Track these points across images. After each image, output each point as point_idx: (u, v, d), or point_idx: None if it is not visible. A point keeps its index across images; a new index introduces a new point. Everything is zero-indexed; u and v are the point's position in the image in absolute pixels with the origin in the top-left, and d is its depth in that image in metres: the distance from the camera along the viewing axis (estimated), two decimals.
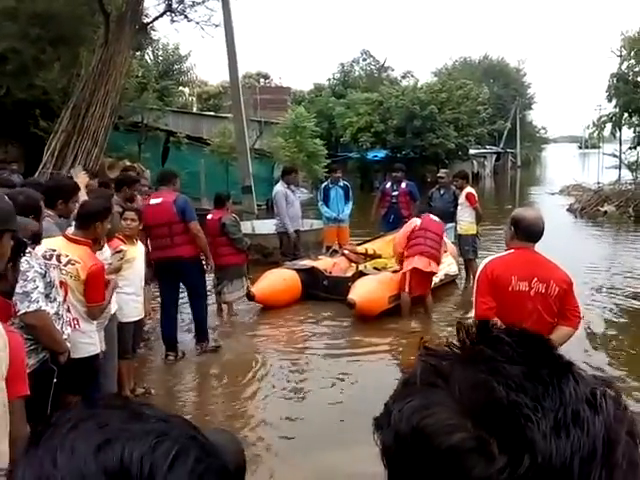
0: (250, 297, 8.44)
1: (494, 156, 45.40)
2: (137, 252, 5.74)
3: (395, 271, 8.66)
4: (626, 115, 23.62)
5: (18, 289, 3.26)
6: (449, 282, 9.93)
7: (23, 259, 3.24)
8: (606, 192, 21.31)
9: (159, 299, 7.35)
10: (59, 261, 4.25)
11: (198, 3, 16.10)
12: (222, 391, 6.15)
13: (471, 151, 35.08)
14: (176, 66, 30.18)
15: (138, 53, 21.51)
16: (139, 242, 5.94)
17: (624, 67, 23.44)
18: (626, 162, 24.91)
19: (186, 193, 7.24)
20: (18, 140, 15.71)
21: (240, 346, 7.38)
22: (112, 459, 0.57)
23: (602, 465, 0.59)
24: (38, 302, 3.45)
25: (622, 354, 7.22)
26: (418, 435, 0.61)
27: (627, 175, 24.20)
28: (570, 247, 12.38)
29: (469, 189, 10.19)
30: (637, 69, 23.13)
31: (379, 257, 9.92)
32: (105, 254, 4.94)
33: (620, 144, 25.97)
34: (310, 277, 9.06)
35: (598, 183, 24.01)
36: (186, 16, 16.09)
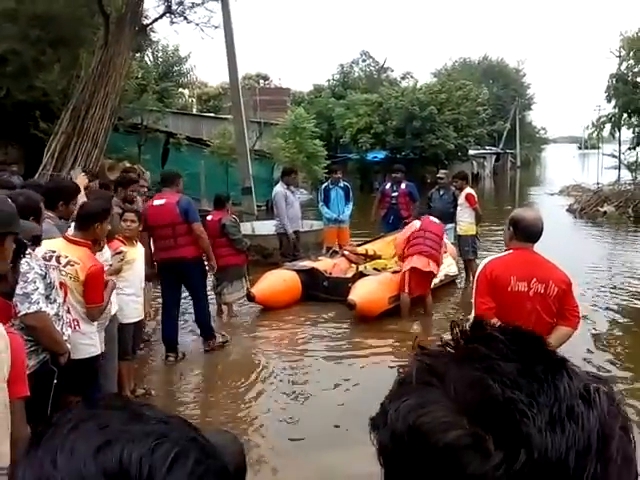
0: (250, 298, 8.44)
1: (494, 157, 45.40)
2: (137, 253, 5.75)
3: (395, 272, 8.67)
4: (625, 116, 23.65)
5: (18, 290, 3.27)
6: (449, 282, 9.94)
7: (23, 260, 3.25)
8: (605, 192, 21.32)
9: (159, 300, 7.35)
10: (59, 262, 4.25)
11: (198, 4, 16.09)
12: (223, 392, 6.14)
13: (471, 152, 35.08)
14: (176, 68, 30.17)
15: (138, 55, 21.50)
16: (139, 243, 5.95)
17: (623, 68, 23.48)
18: (625, 162, 24.94)
19: (186, 194, 7.25)
20: (18, 142, 15.71)
21: (241, 348, 7.38)
22: (111, 460, 0.58)
23: (597, 459, 0.60)
24: (38, 303, 3.45)
25: (626, 354, 7.24)
26: (414, 433, 0.61)
27: (626, 175, 24.22)
28: (571, 247, 12.43)
29: (469, 190, 10.20)
30: (636, 70, 23.15)
31: (379, 258, 9.92)
32: (105, 255, 4.94)
33: (619, 144, 25.99)
34: (310, 278, 9.06)
35: (597, 183, 24.02)
36: (186, 17, 16.09)
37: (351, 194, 11.40)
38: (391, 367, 6.64)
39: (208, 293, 7.48)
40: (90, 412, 0.64)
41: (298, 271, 9.08)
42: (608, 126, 24.78)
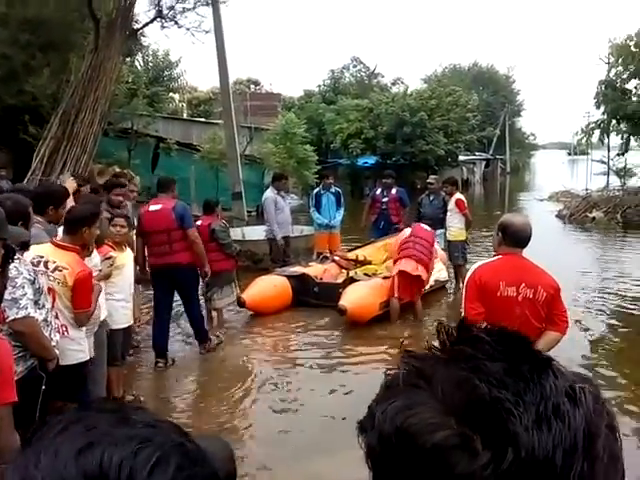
0: (241, 304, 8.43)
1: (483, 162, 45.62)
2: (126, 259, 5.73)
3: (385, 277, 8.68)
4: (614, 122, 23.80)
5: (7, 295, 3.25)
6: (439, 288, 9.96)
7: (12, 265, 3.22)
8: (594, 198, 21.46)
9: (148, 305, 7.31)
10: (47, 267, 4.22)
11: (188, 9, 16.12)
12: (213, 399, 6.10)
13: (460, 157, 35.22)
14: (166, 72, 30.19)
15: (128, 59, 21.50)
16: (128, 248, 5.93)
17: (612, 74, 23.65)
18: (614, 169, 25.09)
19: None
20: (7, 146, 15.64)
21: (232, 354, 7.34)
22: (92, 463, 0.57)
23: (583, 458, 0.60)
24: (27, 309, 3.43)
25: (622, 358, 7.29)
26: (402, 435, 0.61)
27: (615, 181, 24.38)
28: (561, 252, 12.52)
29: (458, 195, 10.24)
30: (625, 76, 23.33)
31: (369, 263, 9.93)
32: (94, 260, 4.92)
33: (608, 150, 26.15)
34: (301, 283, 9.05)
35: (586, 189, 24.17)
36: (176, 22, 16.11)
37: (342, 200, 11.41)
38: (381, 375, 6.64)
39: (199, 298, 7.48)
40: (80, 415, 0.64)
41: (289, 277, 9.07)
42: (597, 132, 24.93)
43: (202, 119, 28.28)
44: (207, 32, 16.04)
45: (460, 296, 4.89)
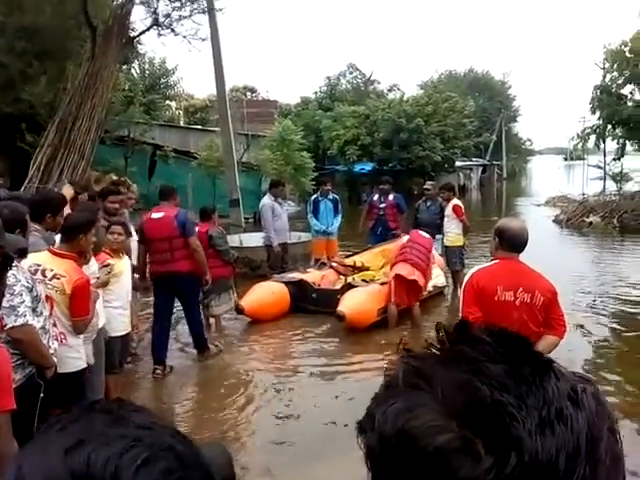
0: (239, 310, 8.42)
1: (480, 168, 45.69)
2: (124, 266, 5.72)
3: (383, 283, 8.68)
4: (610, 127, 23.91)
5: (5, 303, 3.24)
6: (437, 294, 9.96)
7: (10, 273, 3.22)
8: (591, 203, 21.51)
9: (146, 312, 7.29)
10: (44, 275, 4.21)
11: (185, 17, 16.15)
12: (212, 406, 6.08)
13: (457, 163, 35.27)
14: (163, 80, 30.20)
15: (125, 67, 21.51)
16: (125, 256, 5.92)
17: (607, 79, 23.75)
18: (610, 173, 25.17)
19: None
20: (4, 154, 15.64)
21: (230, 362, 7.34)
22: (79, 462, 0.58)
23: (586, 461, 0.60)
24: (25, 316, 3.43)
25: (619, 359, 7.32)
26: (403, 437, 0.60)
27: (612, 186, 24.45)
28: (560, 257, 12.61)
29: (455, 201, 10.26)
30: (620, 81, 23.44)
31: (367, 269, 9.93)
32: (92, 268, 4.91)
33: (604, 155, 26.24)
34: (299, 290, 9.05)
35: (583, 194, 24.23)
36: (173, 30, 16.14)
37: (340, 206, 11.43)
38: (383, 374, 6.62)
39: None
40: (78, 415, 0.65)
41: (287, 283, 9.07)
42: (593, 137, 25.04)
43: (199, 126, 28.30)
44: (203, 40, 16.08)
45: (458, 302, 4.90)
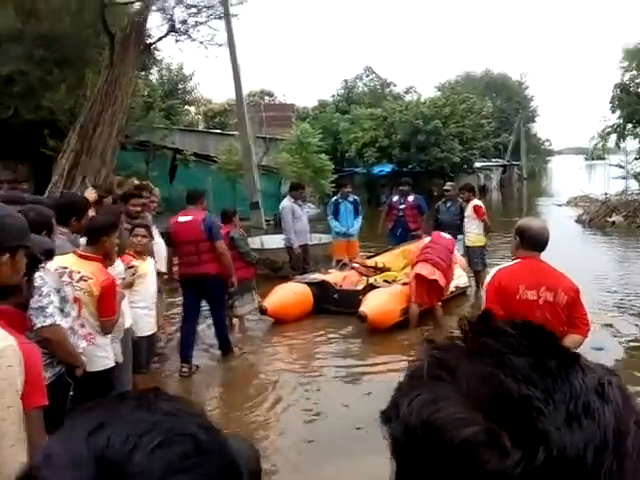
0: (262, 311, 8.47)
1: (500, 169, 45.44)
2: (148, 268, 5.80)
3: (405, 284, 8.66)
4: (630, 126, 23.66)
5: (33, 304, 3.29)
6: (460, 294, 9.93)
7: (37, 274, 3.27)
8: (613, 203, 21.33)
9: (171, 313, 7.35)
10: (71, 278, 4.26)
11: (201, 23, 16.18)
12: (238, 405, 6.12)
13: (477, 164, 35.13)
14: (181, 85, 30.46)
15: (143, 73, 21.68)
16: (149, 258, 6.00)
17: (626, 78, 23.53)
18: (632, 173, 24.90)
19: None
20: (28, 160, 15.85)
21: (255, 363, 7.40)
22: (99, 443, 0.59)
23: (613, 455, 0.59)
24: (53, 316, 3.48)
25: None
26: (429, 429, 0.60)
27: (634, 185, 24.18)
28: (584, 256, 12.62)
29: (476, 201, 10.25)
30: (638, 80, 23.19)
31: (388, 270, 9.92)
32: (117, 269, 4.98)
33: (626, 155, 25.97)
34: (321, 291, 9.07)
35: (605, 194, 24.00)
36: (189, 36, 16.20)
37: (360, 208, 11.44)
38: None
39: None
40: (108, 402, 0.67)
41: (309, 284, 9.10)
42: (613, 136, 24.81)
43: (218, 131, 28.48)
44: (220, 45, 16.13)
45: (481, 302, 4.89)
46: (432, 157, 29.64)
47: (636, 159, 24.85)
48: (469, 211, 10.11)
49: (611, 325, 8.15)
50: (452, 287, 9.21)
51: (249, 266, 8.07)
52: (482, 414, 0.59)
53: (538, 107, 61.32)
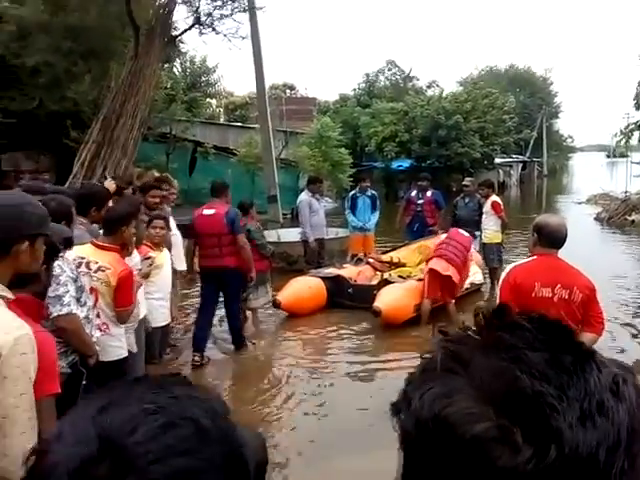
0: (276, 304, 8.51)
1: (520, 165, 45.05)
2: (164, 259, 5.85)
3: (420, 279, 8.65)
4: None
5: (50, 293, 3.34)
6: (474, 291, 9.88)
7: (56, 263, 3.32)
8: (634, 201, 21.06)
9: (186, 303, 7.36)
10: (89, 268, 4.29)
11: (226, 16, 16.21)
12: (249, 399, 6.12)
13: (497, 160, 34.88)
14: (203, 78, 30.52)
15: (167, 65, 21.79)
16: (166, 249, 6.05)
17: None
18: None
19: None
20: (50, 151, 16.03)
21: (267, 356, 7.42)
22: (104, 422, 0.61)
23: (625, 454, 0.59)
24: (69, 305, 3.53)
25: None
26: (440, 423, 0.60)
27: None
28: (602, 254, 12.50)
29: (494, 198, 10.19)
30: None
31: (403, 265, 9.91)
32: (135, 260, 5.02)
33: None
34: (335, 285, 9.09)
35: (626, 192, 23.71)
36: (214, 29, 16.23)
37: (378, 203, 11.43)
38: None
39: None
40: (119, 385, 0.70)
41: (323, 278, 9.11)
42: (637, 134, 24.49)
43: (239, 124, 28.53)
44: (244, 38, 16.16)
45: (496, 299, 4.86)
46: (452, 152, 29.49)
47: None
48: (487, 207, 10.06)
49: (630, 324, 8.07)
50: (467, 284, 9.17)
51: (264, 259, 8.10)
52: (494, 409, 0.59)
53: (562, 103, 60.74)
